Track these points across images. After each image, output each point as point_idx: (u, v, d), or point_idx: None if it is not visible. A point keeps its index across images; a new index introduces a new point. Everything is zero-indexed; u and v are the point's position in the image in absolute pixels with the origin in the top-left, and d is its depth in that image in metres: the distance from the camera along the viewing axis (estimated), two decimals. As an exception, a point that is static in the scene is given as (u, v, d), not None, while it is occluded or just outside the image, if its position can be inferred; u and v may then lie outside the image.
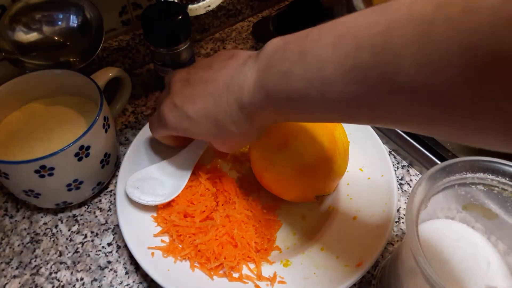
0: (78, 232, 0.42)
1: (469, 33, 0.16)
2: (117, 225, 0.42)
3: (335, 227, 0.39)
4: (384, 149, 0.43)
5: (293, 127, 0.37)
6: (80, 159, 0.37)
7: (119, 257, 0.40)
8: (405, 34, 0.19)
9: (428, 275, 0.24)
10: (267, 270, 0.36)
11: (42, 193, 0.39)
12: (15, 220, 0.43)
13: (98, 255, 0.40)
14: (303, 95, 0.25)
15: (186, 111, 0.33)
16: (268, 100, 0.28)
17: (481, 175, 0.30)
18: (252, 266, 0.37)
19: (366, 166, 0.43)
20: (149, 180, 0.41)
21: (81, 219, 0.43)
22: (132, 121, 0.52)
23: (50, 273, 0.39)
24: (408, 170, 0.46)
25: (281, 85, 0.26)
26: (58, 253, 0.40)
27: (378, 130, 0.47)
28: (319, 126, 0.37)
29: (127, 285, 0.38)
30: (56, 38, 0.44)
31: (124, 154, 0.43)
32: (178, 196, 0.39)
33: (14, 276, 0.39)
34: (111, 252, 0.40)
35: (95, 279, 0.38)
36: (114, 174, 0.45)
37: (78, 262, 0.39)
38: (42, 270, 0.39)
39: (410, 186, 0.45)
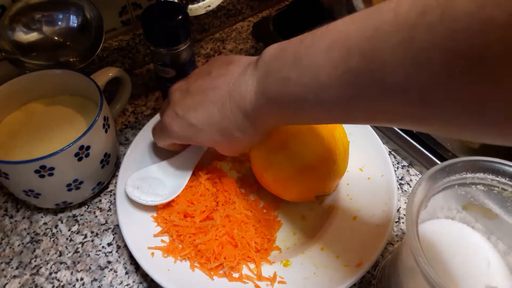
0: (78, 232, 0.42)
1: (447, 38, 0.17)
2: (117, 225, 0.42)
3: (335, 227, 0.39)
4: (384, 149, 0.43)
5: (293, 127, 0.37)
6: (80, 159, 0.37)
7: (119, 257, 0.40)
8: (390, 39, 0.20)
9: (428, 275, 0.24)
10: (267, 270, 0.36)
11: (42, 193, 0.39)
12: (15, 220, 0.43)
13: (98, 255, 0.40)
14: (302, 100, 0.26)
15: (189, 120, 0.34)
16: (270, 106, 0.29)
17: (481, 175, 0.30)
18: (252, 266, 0.37)
19: (366, 166, 0.43)
20: (149, 180, 0.41)
21: (81, 219, 0.43)
22: (132, 121, 0.52)
23: (50, 273, 0.39)
24: (408, 170, 0.46)
25: (280, 91, 0.27)
26: (58, 253, 0.40)
27: (378, 130, 0.47)
28: (319, 126, 0.37)
29: (127, 285, 0.38)
30: (56, 38, 0.44)
31: (124, 154, 0.43)
32: (178, 196, 0.39)
33: (14, 276, 0.39)
34: (111, 252, 0.40)
35: (95, 279, 0.38)
36: (114, 174, 0.45)
37: (78, 262, 0.40)
38: (42, 270, 0.39)
39: (410, 186, 0.45)
